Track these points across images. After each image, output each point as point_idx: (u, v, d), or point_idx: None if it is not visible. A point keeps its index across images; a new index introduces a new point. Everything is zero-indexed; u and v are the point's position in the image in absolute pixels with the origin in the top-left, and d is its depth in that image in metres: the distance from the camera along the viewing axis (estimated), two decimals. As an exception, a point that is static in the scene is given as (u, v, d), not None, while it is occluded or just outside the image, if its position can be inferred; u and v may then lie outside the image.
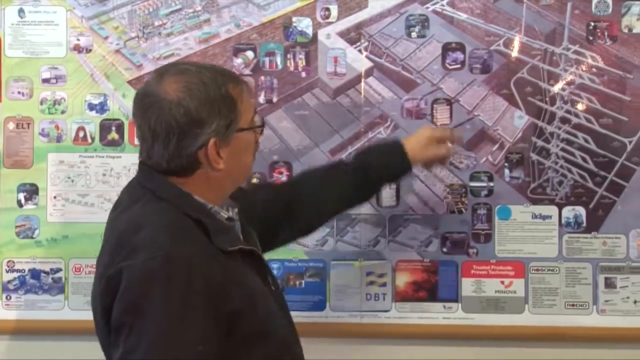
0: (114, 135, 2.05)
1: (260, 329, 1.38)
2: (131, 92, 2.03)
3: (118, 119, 2.05)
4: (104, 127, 2.05)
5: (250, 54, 2.04)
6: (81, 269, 2.04)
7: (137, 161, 1.98)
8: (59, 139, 2.04)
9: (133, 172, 2.00)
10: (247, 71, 2.04)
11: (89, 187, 2.04)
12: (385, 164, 1.74)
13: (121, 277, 1.29)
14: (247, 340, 1.35)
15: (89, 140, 2.04)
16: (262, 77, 2.04)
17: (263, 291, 1.43)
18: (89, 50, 2.04)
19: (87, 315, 1.99)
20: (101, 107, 2.05)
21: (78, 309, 2.04)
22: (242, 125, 1.41)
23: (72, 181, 2.04)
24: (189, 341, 1.27)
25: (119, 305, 1.29)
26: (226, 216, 1.44)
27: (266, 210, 1.68)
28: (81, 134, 2.04)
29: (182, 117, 1.34)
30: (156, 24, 2.04)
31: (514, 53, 2.02)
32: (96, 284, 1.40)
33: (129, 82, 2.04)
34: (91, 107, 2.04)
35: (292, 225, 1.73)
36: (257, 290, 1.41)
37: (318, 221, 1.78)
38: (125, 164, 2.04)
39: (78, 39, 2.05)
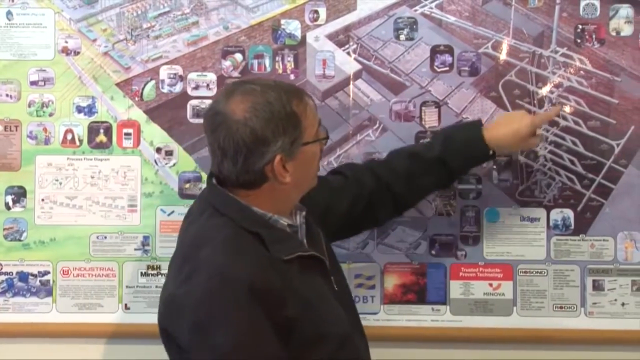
0: (102, 137, 2.04)
1: (317, 332, 1.45)
2: (119, 95, 2.04)
3: (106, 122, 2.04)
4: (92, 130, 2.04)
5: (238, 56, 2.04)
6: (69, 272, 2.04)
7: (125, 164, 2.04)
8: (47, 142, 2.04)
9: (122, 175, 2.04)
10: (235, 74, 2.04)
11: (77, 190, 2.04)
12: (468, 162, 1.82)
13: (182, 300, 1.40)
14: (305, 344, 1.42)
15: (77, 142, 2.04)
16: (251, 80, 2.04)
17: (322, 294, 1.51)
18: (77, 53, 2.04)
19: (75, 317, 2.03)
20: (89, 110, 2.04)
21: (66, 311, 2.04)
22: (306, 139, 1.48)
23: (60, 184, 2.04)
24: (257, 352, 1.36)
25: (185, 326, 1.39)
26: (286, 223, 1.51)
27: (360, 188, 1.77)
28: (69, 137, 2.04)
29: (249, 137, 1.42)
30: (144, 26, 2.04)
31: (502, 56, 2.02)
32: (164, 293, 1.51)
33: (117, 84, 2.04)
34: (79, 109, 2.04)
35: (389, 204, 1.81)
36: (315, 294, 1.48)
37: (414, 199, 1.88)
38: (113, 167, 2.04)
39: (66, 42, 2.04)
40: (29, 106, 2.04)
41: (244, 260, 1.40)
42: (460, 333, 2.03)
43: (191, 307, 1.38)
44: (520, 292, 2.03)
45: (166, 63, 2.04)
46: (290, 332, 1.40)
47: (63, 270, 2.04)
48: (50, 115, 2.04)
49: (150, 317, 2.00)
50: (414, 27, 2.04)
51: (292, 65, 2.04)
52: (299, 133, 1.46)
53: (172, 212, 2.04)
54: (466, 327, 2.03)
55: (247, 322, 1.36)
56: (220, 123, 1.43)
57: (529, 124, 1.79)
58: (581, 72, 2.01)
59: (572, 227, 2.02)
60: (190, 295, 1.38)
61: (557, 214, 2.02)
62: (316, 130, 1.52)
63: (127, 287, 2.04)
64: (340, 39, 2.05)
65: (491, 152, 1.77)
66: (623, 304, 2.02)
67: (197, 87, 2.04)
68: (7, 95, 2.04)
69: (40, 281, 2.04)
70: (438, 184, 1.86)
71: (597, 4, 2.01)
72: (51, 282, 2.04)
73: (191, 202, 1.98)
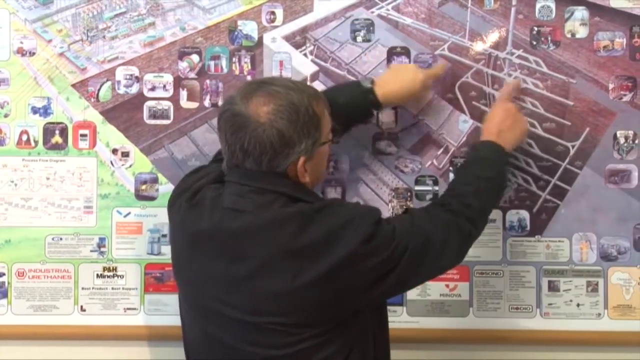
0: (57, 139, 2.03)
1: None
2: (75, 96, 2.03)
3: (62, 123, 2.03)
4: (48, 131, 2.03)
5: (195, 57, 2.04)
6: (24, 274, 2.03)
7: (81, 165, 2.03)
8: (1, 143, 2.02)
9: (77, 176, 2.03)
10: (192, 75, 2.04)
11: (32, 191, 2.03)
12: (352, 118, 1.85)
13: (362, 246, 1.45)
14: None
15: (32, 144, 2.03)
16: (208, 81, 2.03)
17: None
18: (32, 54, 2.03)
19: (31, 320, 2.02)
20: (45, 111, 2.03)
21: (21, 313, 2.03)
22: (323, 140, 1.53)
23: (16, 185, 2.03)
24: None
25: (381, 260, 1.48)
26: None
27: None
28: (24, 138, 2.03)
29: (275, 139, 1.44)
30: (100, 27, 2.03)
31: (459, 57, 2.03)
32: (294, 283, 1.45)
33: (73, 85, 2.03)
34: (35, 110, 2.03)
35: None
36: None
37: None
38: (69, 168, 2.03)
39: (21, 42, 2.03)
40: (-16, 107, 2.03)
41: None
42: (417, 334, 2.03)
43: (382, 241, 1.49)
44: (476, 293, 2.03)
45: (122, 64, 2.03)
46: None
47: (18, 272, 2.03)
48: (5, 116, 2.03)
49: (106, 319, 2.04)
50: (371, 28, 2.04)
51: (249, 67, 2.03)
52: (319, 134, 1.49)
53: (129, 213, 2.03)
54: (423, 328, 2.03)
55: None
56: (243, 125, 1.44)
57: (420, 80, 1.84)
58: (537, 74, 2.02)
59: (528, 228, 2.03)
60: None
61: (512, 215, 2.03)
62: (329, 130, 1.55)
63: (83, 288, 2.03)
64: (297, 40, 2.04)
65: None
66: (578, 305, 2.03)
67: (153, 88, 2.03)
68: (-39, 96, 2.03)
69: (-6, 283, 2.03)
70: None
71: (553, 6, 2.02)
72: (6, 284, 2.02)
73: (147, 203, 2.02)
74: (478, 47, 2.02)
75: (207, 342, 1.54)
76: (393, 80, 1.84)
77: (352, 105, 1.80)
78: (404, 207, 2.02)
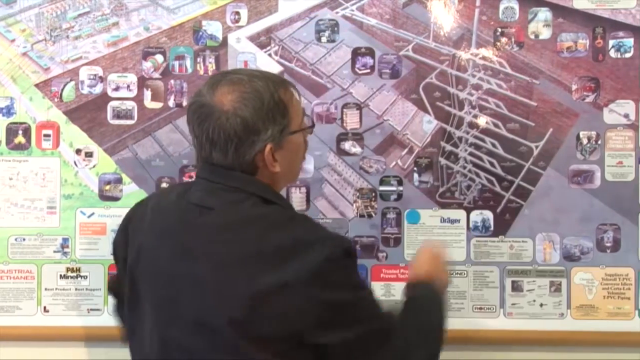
0: (20, 139, 2.03)
1: None
2: (38, 96, 2.02)
3: (25, 123, 2.02)
4: (11, 131, 2.03)
5: (159, 57, 2.03)
6: (-13, 274, 2.02)
7: (44, 165, 2.02)
8: (-36, 143, 2.02)
9: (41, 176, 2.02)
10: (156, 75, 2.03)
11: (-5, 191, 2.03)
12: None
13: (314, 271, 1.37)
14: None
15: (-5, 144, 2.03)
16: (172, 81, 2.03)
17: None
18: (-5, 53, 2.02)
19: (-7, 320, 2.01)
20: (8, 111, 2.02)
21: (-16, 314, 2.02)
22: (293, 128, 1.48)
23: (-22, 185, 2.02)
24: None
25: (334, 291, 1.38)
26: None
27: None
28: (-13, 138, 2.02)
29: (239, 126, 1.41)
30: (64, 27, 2.03)
31: (423, 58, 2.03)
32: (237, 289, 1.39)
33: (37, 85, 2.02)
34: (-3, 110, 2.03)
35: None
36: None
37: None
38: (32, 168, 2.02)
39: (-16, 42, 2.02)
40: (-54, 107, 2.02)
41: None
42: (381, 334, 2.03)
43: (334, 272, 1.39)
44: (440, 293, 2.04)
45: (86, 64, 2.03)
46: None
47: (-19, 272, 2.02)
48: (-32, 116, 2.02)
49: (70, 320, 2.03)
50: (335, 29, 2.04)
51: (214, 67, 2.03)
52: (287, 121, 1.46)
53: (92, 214, 2.03)
54: (387, 328, 2.03)
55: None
56: (209, 114, 1.41)
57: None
58: (500, 74, 2.03)
59: (492, 228, 2.03)
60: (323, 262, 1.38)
61: (476, 216, 2.04)
62: (301, 120, 1.52)
63: (46, 289, 2.03)
64: (262, 40, 2.04)
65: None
66: (541, 305, 2.04)
67: (117, 88, 2.03)
68: None
69: (-43, 283, 2.02)
70: None
71: (516, 7, 2.03)
72: (-31, 284, 2.02)
73: (111, 203, 2.01)
74: (442, 48, 2.03)
75: (162, 344, 1.51)
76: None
77: None
78: (368, 209, 2.03)
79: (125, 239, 1.56)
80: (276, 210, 1.45)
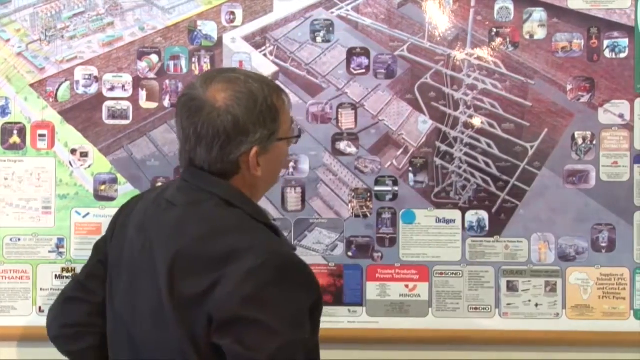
0: (15, 139, 2.03)
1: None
2: (33, 96, 2.02)
3: (20, 123, 2.02)
4: (6, 131, 2.03)
5: (154, 57, 2.03)
6: (-18, 273, 2.02)
7: (40, 165, 2.02)
8: (-41, 143, 2.02)
9: (36, 176, 2.02)
10: (151, 75, 2.03)
11: (-10, 192, 2.02)
12: None
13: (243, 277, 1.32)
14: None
15: (-10, 144, 2.03)
16: (167, 81, 2.03)
17: None
18: (-10, 53, 2.02)
19: None
20: (3, 111, 2.02)
21: (-21, 314, 2.02)
22: (281, 135, 1.46)
23: (-27, 185, 2.02)
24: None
25: (249, 303, 1.32)
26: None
27: None
28: (-18, 138, 2.02)
29: (230, 125, 1.39)
30: (59, 26, 2.02)
31: (418, 58, 2.03)
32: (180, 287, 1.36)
33: (32, 85, 2.02)
34: (-8, 110, 2.03)
35: None
36: None
37: None
38: (27, 168, 2.02)
39: (-21, 42, 2.02)
40: (-59, 107, 2.02)
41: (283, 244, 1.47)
42: (377, 334, 2.03)
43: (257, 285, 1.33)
44: (435, 293, 2.04)
45: (81, 64, 2.03)
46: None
47: (-24, 272, 2.02)
48: (-37, 116, 2.02)
49: (65, 320, 2.01)
50: (331, 29, 2.04)
51: (209, 67, 2.03)
52: (276, 127, 1.45)
53: (87, 214, 2.03)
54: (382, 328, 2.04)
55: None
56: (199, 109, 1.40)
57: None
58: (495, 74, 2.03)
59: (487, 228, 2.03)
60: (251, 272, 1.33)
61: (472, 216, 2.04)
62: (289, 128, 1.51)
63: (41, 289, 2.03)
64: (257, 40, 2.04)
65: None
66: (537, 305, 2.04)
67: (112, 88, 2.03)
68: None
69: (-49, 283, 2.02)
70: None
71: (511, 7, 2.03)
72: (-36, 284, 2.02)
73: (106, 203, 2.01)
74: (437, 48, 2.03)
75: (129, 341, 1.50)
76: None
77: None
78: (364, 209, 2.03)
79: (112, 235, 1.57)
80: (234, 214, 1.43)
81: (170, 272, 1.37)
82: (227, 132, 1.40)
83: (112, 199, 2.03)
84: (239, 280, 1.32)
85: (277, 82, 1.99)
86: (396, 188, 2.04)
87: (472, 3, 2.02)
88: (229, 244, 1.36)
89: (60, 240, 2.02)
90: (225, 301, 1.32)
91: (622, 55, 2.02)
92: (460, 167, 2.03)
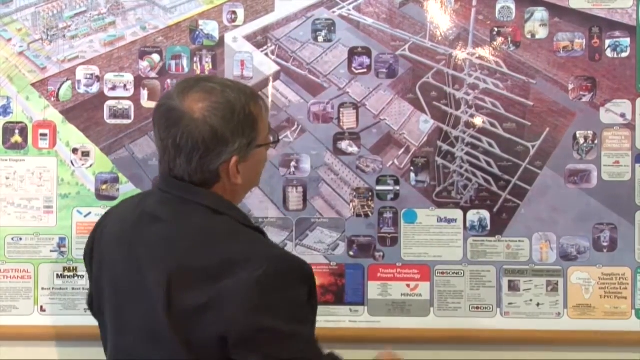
0: (17, 138, 2.03)
1: None
2: (35, 95, 2.02)
3: (22, 122, 2.02)
4: (7, 130, 2.03)
5: (156, 57, 2.03)
6: (-16, 273, 2.02)
7: (41, 165, 2.02)
8: (-40, 142, 2.02)
9: (37, 176, 2.02)
10: (153, 74, 2.03)
11: (-9, 191, 2.02)
12: None
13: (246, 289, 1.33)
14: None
15: (-8, 143, 2.03)
16: (169, 81, 2.03)
17: None
18: (-9, 53, 2.02)
19: None
20: (4, 110, 2.02)
21: (-20, 314, 2.02)
22: (259, 142, 1.46)
23: (-25, 185, 2.02)
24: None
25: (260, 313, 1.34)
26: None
27: None
28: (-17, 137, 2.02)
29: (208, 135, 1.38)
30: (60, 26, 2.03)
31: (420, 58, 2.03)
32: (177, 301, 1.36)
33: (33, 84, 2.02)
34: (-6, 110, 2.03)
35: None
36: None
37: None
38: (29, 168, 2.02)
39: (-19, 41, 2.02)
40: (-57, 106, 2.02)
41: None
42: (378, 334, 2.04)
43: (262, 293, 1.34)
44: (437, 292, 2.04)
45: (83, 63, 2.03)
46: None
47: (-22, 272, 2.02)
48: (-35, 115, 2.02)
49: (67, 319, 2.03)
50: (332, 28, 2.04)
51: (210, 66, 2.03)
52: (255, 135, 1.45)
53: (89, 213, 2.03)
54: (384, 327, 2.04)
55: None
56: (177, 120, 1.39)
57: None
58: (497, 74, 2.03)
59: (489, 228, 2.03)
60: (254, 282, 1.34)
61: (473, 215, 2.04)
62: (267, 134, 1.51)
63: (43, 289, 2.03)
64: (259, 40, 2.05)
65: None
66: (538, 304, 2.04)
67: (114, 88, 2.03)
68: None
69: (-47, 282, 2.02)
70: None
71: (513, 7, 2.03)
72: (-34, 283, 2.02)
73: (108, 202, 2.01)
74: (439, 47, 2.03)
75: (115, 352, 1.50)
76: None
77: None
78: (365, 208, 2.03)
79: (92, 248, 1.56)
80: (224, 222, 1.43)
81: (168, 293, 1.36)
82: (206, 143, 1.39)
83: (113, 198, 2.03)
84: (246, 294, 1.33)
85: (277, 83, 2.02)
86: (398, 187, 2.04)
87: (474, 2, 2.02)
88: (223, 253, 1.37)
89: (62, 239, 2.02)
90: (238, 318, 1.33)
91: (624, 55, 2.02)
92: (461, 167, 2.03)
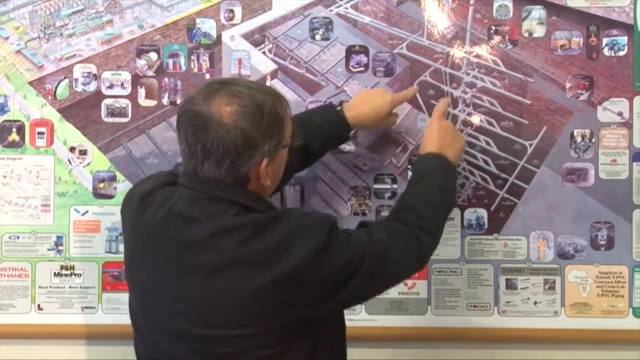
0: (14, 136, 2.02)
1: None
2: (32, 94, 2.02)
3: (19, 121, 2.02)
4: (5, 129, 2.02)
5: (153, 55, 2.03)
6: (-18, 272, 2.02)
7: (38, 163, 2.02)
8: (-42, 141, 2.02)
9: (35, 174, 2.02)
10: (150, 73, 2.03)
11: (-11, 189, 2.02)
12: (328, 145, 1.88)
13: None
14: None
15: (-11, 141, 2.02)
16: (166, 79, 2.03)
17: None
18: (-11, 51, 2.02)
19: None
20: (1, 109, 2.02)
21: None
22: (285, 143, 1.49)
23: (-28, 183, 2.02)
24: None
25: (336, 269, 1.45)
26: None
27: None
28: (-19, 136, 2.02)
29: (239, 140, 1.39)
30: (58, 24, 2.02)
31: (417, 56, 2.03)
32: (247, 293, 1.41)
33: (30, 83, 2.02)
34: (-9, 108, 2.02)
35: None
36: None
37: None
38: (26, 166, 2.02)
39: (-22, 39, 2.02)
40: (-60, 105, 2.02)
41: None
42: (376, 332, 2.03)
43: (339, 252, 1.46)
44: (434, 291, 2.04)
45: (80, 62, 2.03)
46: None
47: (-24, 270, 2.02)
48: (-38, 113, 2.02)
49: (64, 318, 2.03)
50: (330, 27, 2.04)
51: (208, 65, 2.03)
52: (282, 136, 1.46)
53: (86, 211, 2.03)
54: (381, 326, 2.04)
55: None
56: (206, 125, 1.39)
57: (389, 102, 1.85)
58: (494, 72, 2.03)
59: (486, 226, 2.03)
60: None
61: (470, 214, 2.04)
62: (290, 133, 1.51)
63: (40, 287, 2.03)
64: (256, 38, 2.04)
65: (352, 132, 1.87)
66: (535, 303, 2.04)
67: (111, 86, 2.03)
68: None
69: (-50, 281, 2.02)
70: (299, 168, 1.86)
71: (510, 5, 2.03)
72: (-36, 281, 2.02)
73: (105, 201, 2.01)
74: (436, 46, 2.03)
75: (152, 351, 1.52)
76: (362, 103, 1.85)
77: (327, 126, 1.82)
78: (363, 207, 2.03)
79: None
80: (255, 217, 1.44)
81: (212, 288, 1.41)
82: (237, 148, 1.40)
83: (110, 196, 2.03)
84: (318, 256, 1.42)
85: (274, 81, 2.02)
86: (395, 186, 2.04)
87: (471, 1, 2.02)
88: (279, 234, 1.41)
89: (59, 238, 2.02)
90: (328, 274, 1.44)
91: (621, 53, 2.02)
92: (459, 165, 2.03)
